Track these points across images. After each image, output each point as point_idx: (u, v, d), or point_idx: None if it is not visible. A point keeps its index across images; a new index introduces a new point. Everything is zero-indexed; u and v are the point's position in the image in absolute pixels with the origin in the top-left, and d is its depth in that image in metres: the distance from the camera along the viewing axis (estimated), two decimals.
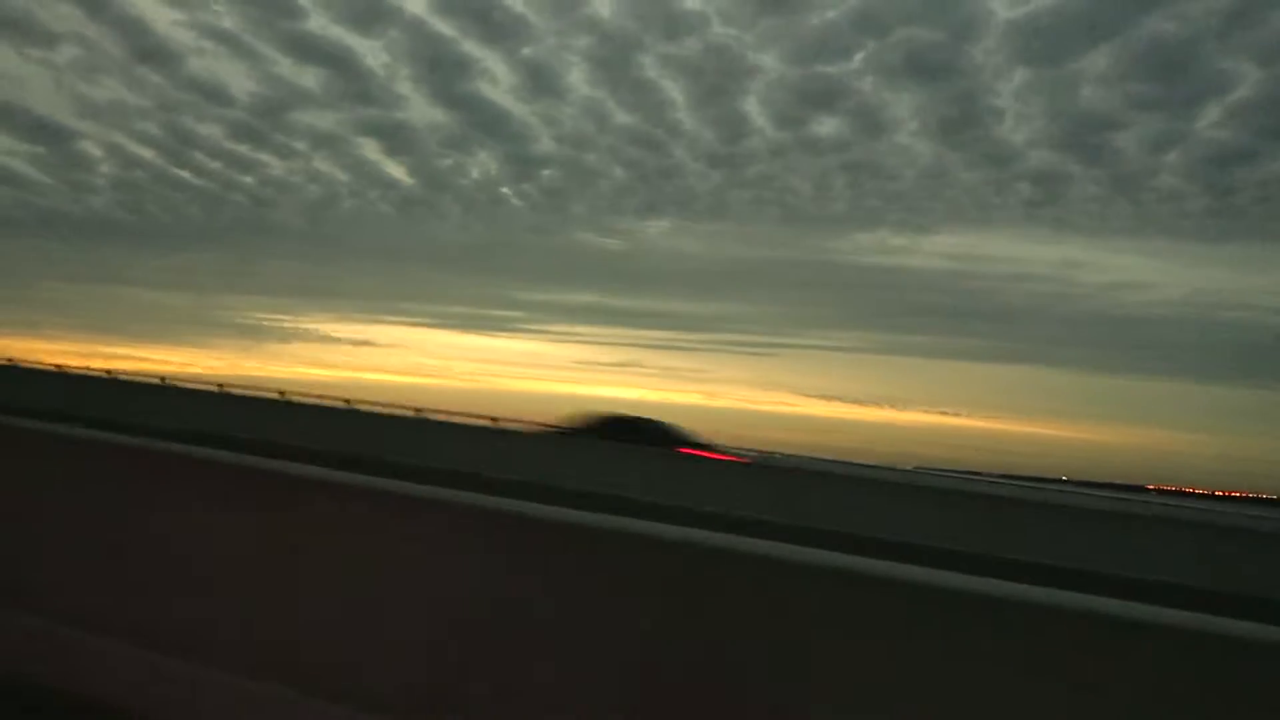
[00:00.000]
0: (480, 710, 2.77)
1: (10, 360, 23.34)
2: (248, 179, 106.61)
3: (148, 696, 3.21)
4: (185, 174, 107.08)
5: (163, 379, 25.00)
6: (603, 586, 2.74)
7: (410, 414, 18.54)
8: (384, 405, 20.05)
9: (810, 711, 2.43)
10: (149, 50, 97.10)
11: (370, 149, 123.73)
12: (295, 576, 3.16)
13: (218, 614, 3.23)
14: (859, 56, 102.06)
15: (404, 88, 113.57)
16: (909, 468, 27.77)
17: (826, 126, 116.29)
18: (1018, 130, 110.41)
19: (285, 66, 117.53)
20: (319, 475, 3.27)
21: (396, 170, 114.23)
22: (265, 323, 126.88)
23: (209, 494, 3.39)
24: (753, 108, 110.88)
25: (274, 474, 3.34)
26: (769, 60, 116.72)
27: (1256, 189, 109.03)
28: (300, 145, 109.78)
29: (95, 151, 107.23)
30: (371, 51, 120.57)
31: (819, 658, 2.45)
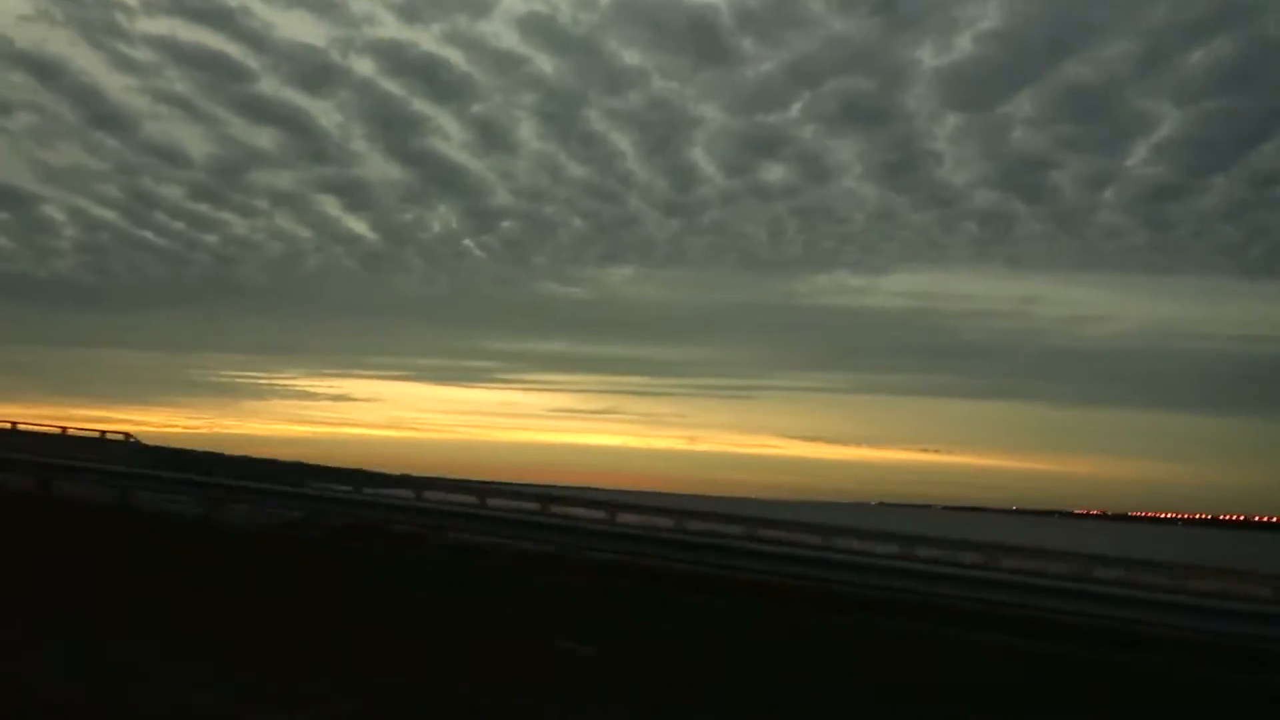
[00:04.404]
0: None
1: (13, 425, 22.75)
2: (210, 238, 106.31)
3: None
4: (148, 234, 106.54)
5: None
6: None
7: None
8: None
9: None
10: (104, 116, 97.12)
11: (330, 205, 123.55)
12: None
13: None
14: (796, 106, 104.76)
15: (359, 145, 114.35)
16: (874, 503, 28.16)
17: (774, 173, 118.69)
18: (958, 172, 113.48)
19: (240, 128, 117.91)
20: None
21: (358, 226, 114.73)
22: (239, 380, 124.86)
23: None
24: (700, 157, 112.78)
25: None
26: (711, 111, 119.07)
27: (1194, 223, 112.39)
28: (261, 204, 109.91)
29: (58, 215, 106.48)
30: (324, 111, 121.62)
31: None
